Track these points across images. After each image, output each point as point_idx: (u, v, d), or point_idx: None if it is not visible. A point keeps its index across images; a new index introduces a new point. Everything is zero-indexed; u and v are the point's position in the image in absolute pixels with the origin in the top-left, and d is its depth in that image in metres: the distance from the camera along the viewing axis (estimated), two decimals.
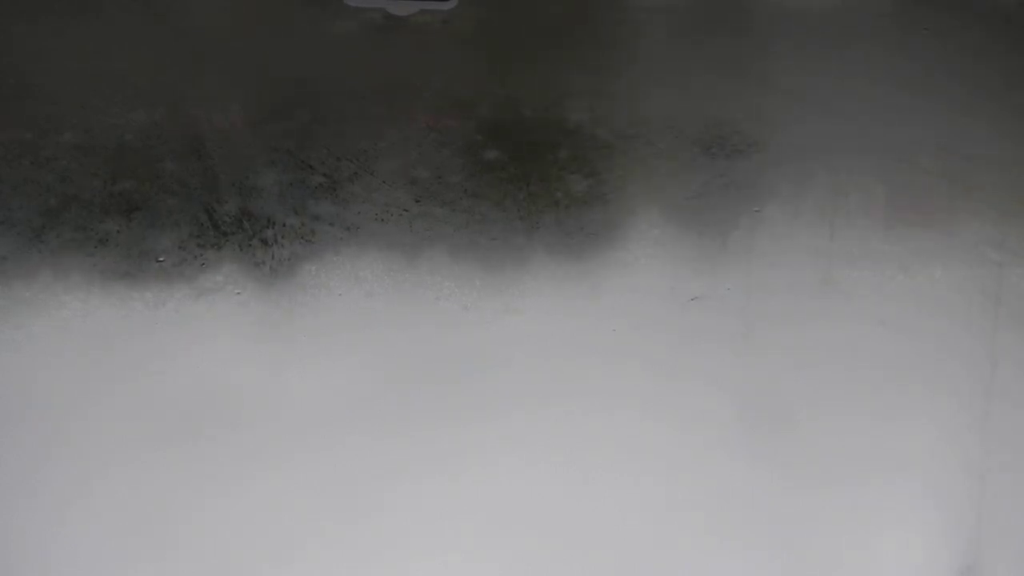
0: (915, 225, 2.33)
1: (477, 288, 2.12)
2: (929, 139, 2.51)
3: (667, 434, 1.92)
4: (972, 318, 2.14)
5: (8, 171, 2.25)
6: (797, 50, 2.75)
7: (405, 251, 2.17)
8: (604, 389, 1.98)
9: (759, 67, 2.68)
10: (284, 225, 2.20)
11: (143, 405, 1.90)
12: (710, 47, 2.76)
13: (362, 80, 2.52)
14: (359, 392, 1.95)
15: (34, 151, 2.29)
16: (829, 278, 2.20)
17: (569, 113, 2.50)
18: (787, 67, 2.69)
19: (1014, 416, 1.99)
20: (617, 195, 2.33)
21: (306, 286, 2.09)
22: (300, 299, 2.07)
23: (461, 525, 1.78)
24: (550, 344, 2.05)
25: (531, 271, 2.16)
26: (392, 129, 2.42)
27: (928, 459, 1.92)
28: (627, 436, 1.92)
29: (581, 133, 2.47)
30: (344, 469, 1.84)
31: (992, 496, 1.89)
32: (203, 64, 2.50)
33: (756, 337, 2.08)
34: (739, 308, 2.13)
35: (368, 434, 1.90)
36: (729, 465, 1.89)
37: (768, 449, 1.91)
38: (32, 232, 2.16)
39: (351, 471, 1.84)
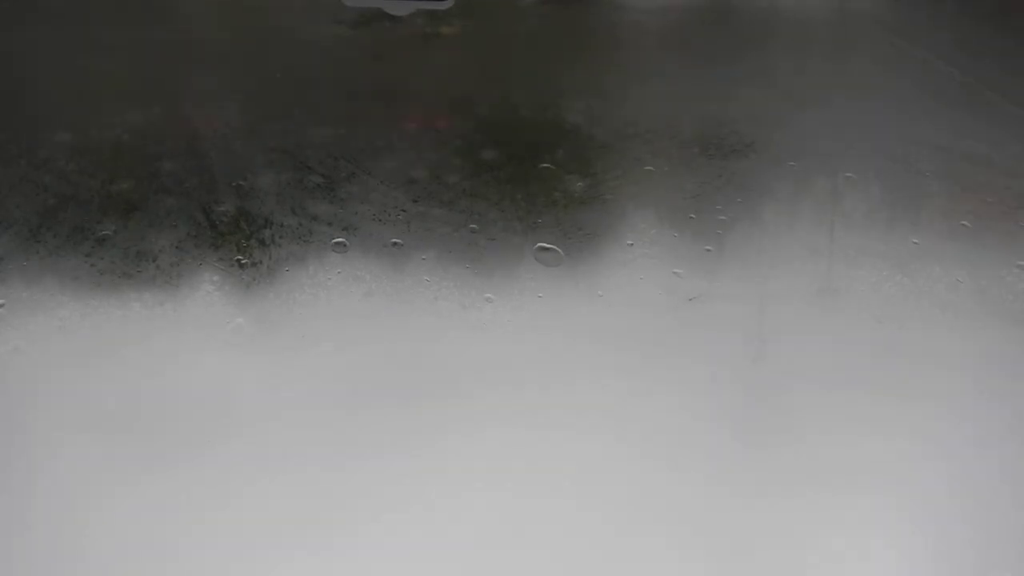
0: (914, 225, 2.33)
1: (475, 288, 2.12)
2: (929, 139, 2.51)
3: (664, 433, 1.91)
4: (970, 318, 2.14)
5: (5, 171, 2.25)
6: (795, 51, 2.76)
7: (403, 251, 2.17)
8: (601, 388, 1.97)
9: (757, 67, 2.69)
10: (282, 225, 2.20)
11: (141, 405, 1.90)
12: (707, 48, 2.77)
13: (360, 80, 2.53)
14: (358, 391, 1.94)
15: (31, 151, 2.30)
16: (828, 278, 2.20)
17: (567, 113, 2.51)
18: (785, 68, 2.70)
19: (1012, 416, 1.99)
20: (615, 195, 2.34)
21: (304, 286, 2.09)
22: (298, 298, 2.07)
23: (462, 525, 1.78)
24: (549, 343, 2.04)
25: (530, 270, 2.16)
26: (390, 129, 2.42)
27: (928, 459, 1.92)
28: (624, 436, 1.91)
29: (579, 133, 2.47)
30: (343, 468, 1.84)
31: (991, 497, 1.89)
32: (200, 64, 2.51)
33: (755, 336, 2.08)
34: (737, 307, 2.13)
35: (367, 433, 1.89)
36: (726, 464, 1.88)
37: (766, 449, 1.90)
38: (29, 232, 2.16)
39: (350, 470, 1.84)
